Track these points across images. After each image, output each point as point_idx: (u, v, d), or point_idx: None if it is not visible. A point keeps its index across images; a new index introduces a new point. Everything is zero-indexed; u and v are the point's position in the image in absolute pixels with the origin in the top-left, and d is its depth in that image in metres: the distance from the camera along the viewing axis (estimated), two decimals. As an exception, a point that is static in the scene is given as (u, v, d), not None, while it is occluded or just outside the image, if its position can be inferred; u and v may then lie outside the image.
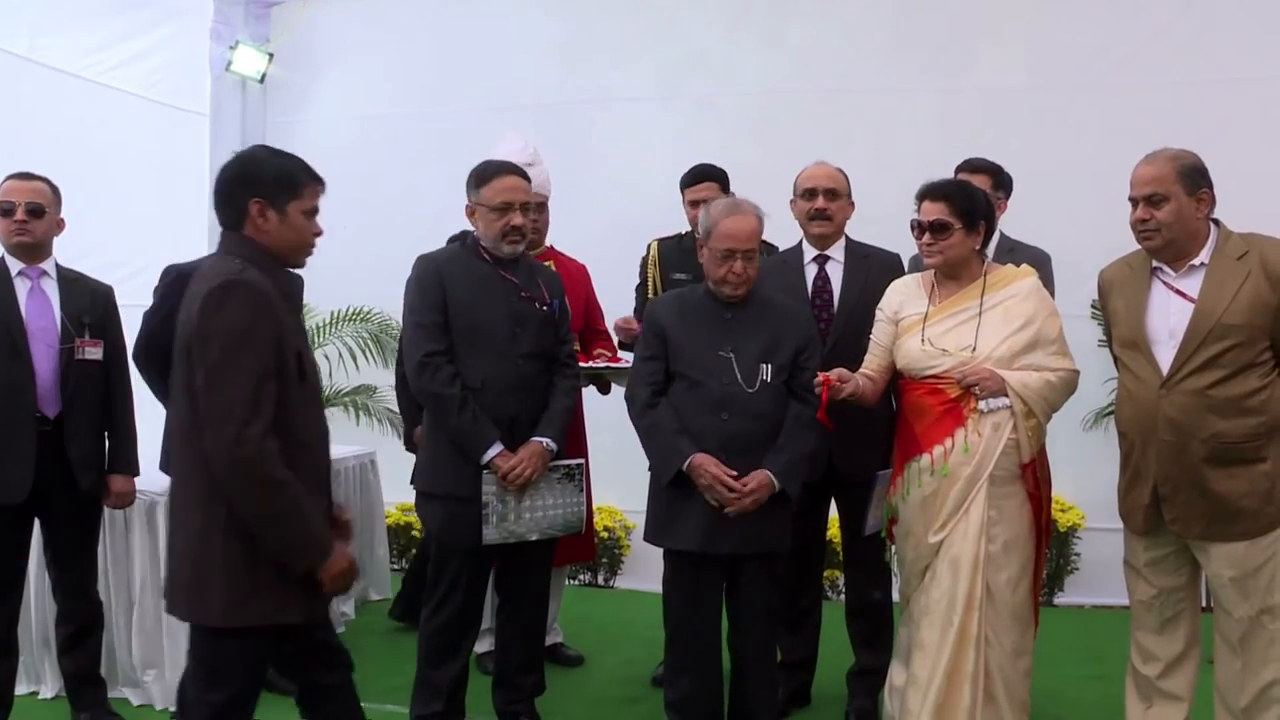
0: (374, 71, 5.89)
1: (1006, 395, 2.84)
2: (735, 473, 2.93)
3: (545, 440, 3.11)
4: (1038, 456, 2.92)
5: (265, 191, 2.26)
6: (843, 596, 3.75)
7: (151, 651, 3.62)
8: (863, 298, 3.31)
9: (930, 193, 2.96)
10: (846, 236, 3.50)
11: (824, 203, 3.40)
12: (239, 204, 2.27)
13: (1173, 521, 2.79)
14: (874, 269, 3.42)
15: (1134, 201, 2.80)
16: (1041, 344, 2.90)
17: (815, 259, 3.46)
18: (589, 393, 3.93)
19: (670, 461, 2.98)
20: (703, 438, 2.95)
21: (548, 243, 3.98)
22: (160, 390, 3.63)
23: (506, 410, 3.08)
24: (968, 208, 2.93)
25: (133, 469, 3.37)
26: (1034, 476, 2.91)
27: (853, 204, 3.50)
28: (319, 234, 2.35)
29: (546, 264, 3.74)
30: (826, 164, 3.49)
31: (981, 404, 2.84)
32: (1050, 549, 4.39)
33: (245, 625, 2.19)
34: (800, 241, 3.52)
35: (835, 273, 3.45)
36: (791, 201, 3.51)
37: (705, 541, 2.96)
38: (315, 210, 2.33)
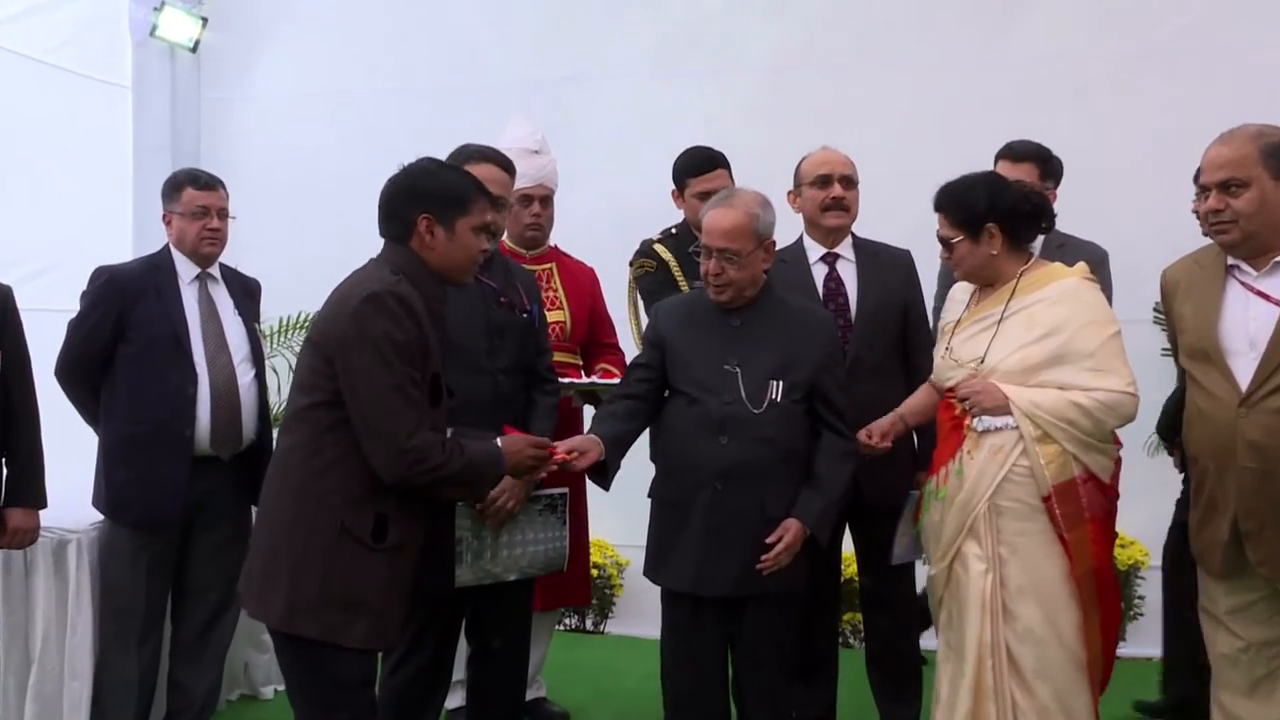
0: (327, 42, 5.73)
1: (1010, 415, 2.77)
2: (545, 440, 2.83)
3: None
4: (1061, 490, 2.78)
5: (434, 207, 2.49)
6: (864, 643, 3.68)
7: (50, 720, 3.46)
8: (881, 301, 3.31)
9: (935, 203, 2.98)
10: (852, 233, 3.48)
11: (841, 190, 3.37)
12: (407, 218, 2.50)
13: (1261, 563, 2.66)
14: (886, 268, 3.42)
15: (1205, 189, 2.71)
16: (1072, 357, 2.79)
17: (824, 258, 3.42)
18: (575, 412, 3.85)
19: None
20: (699, 465, 2.91)
21: (551, 242, 3.96)
22: (90, 411, 3.52)
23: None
24: (963, 216, 2.91)
25: (37, 501, 3.20)
26: (1056, 514, 2.78)
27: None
28: (486, 250, 2.67)
29: (548, 265, 3.76)
30: (836, 149, 3.46)
31: (976, 422, 2.80)
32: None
33: (298, 634, 2.40)
34: (800, 238, 3.49)
35: (848, 273, 3.41)
36: (792, 193, 3.48)
37: (695, 581, 2.92)
38: (485, 226, 2.59)
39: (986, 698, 2.79)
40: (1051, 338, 2.80)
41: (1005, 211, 2.91)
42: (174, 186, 3.61)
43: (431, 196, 2.49)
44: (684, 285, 3.78)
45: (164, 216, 3.61)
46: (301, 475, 2.44)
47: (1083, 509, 2.82)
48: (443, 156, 3.13)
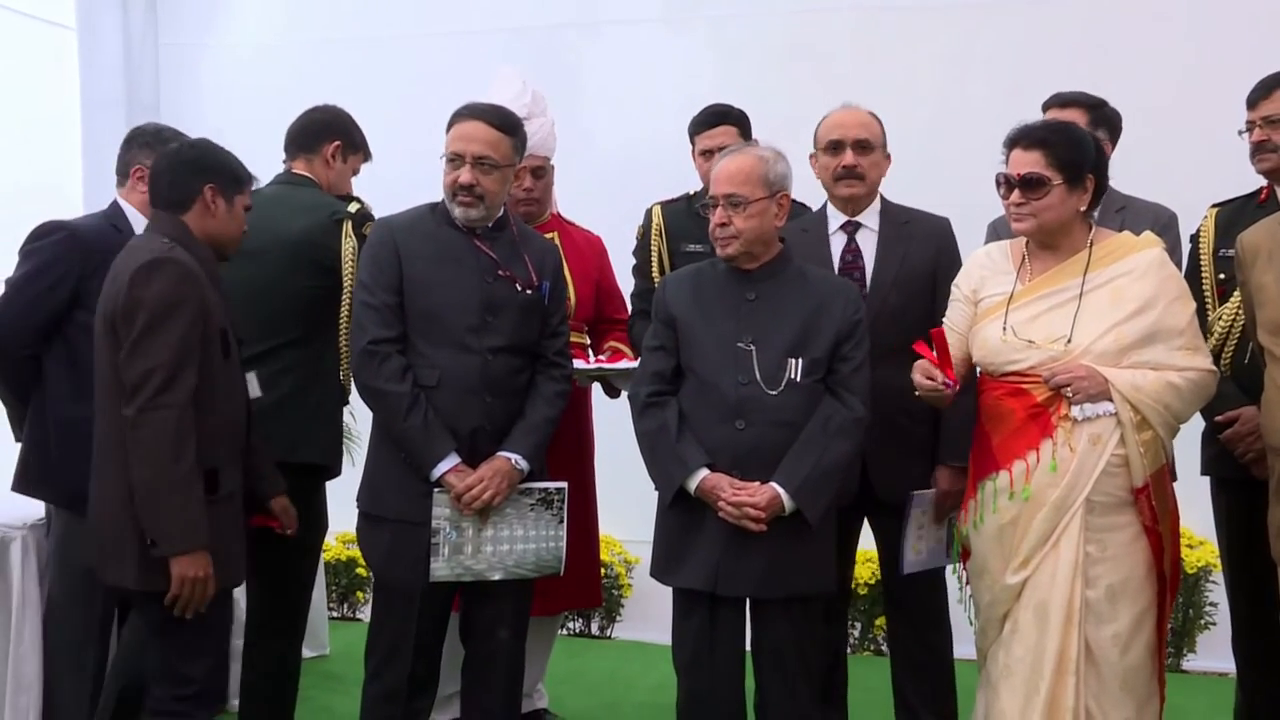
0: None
1: (1110, 400, 2.75)
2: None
3: (514, 457, 3.09)
4: (1155, 479, 2.81)
5: (220, 180, 2.93)
6: (886, 648, 3.79)
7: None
8: (901, 274, 3.32)
9: (1023, 138, 2.87)
10: (882, 198, 3.48)
11: (854, 157, 3.36)
12: (192, 188, 2.90)
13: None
14: (915, 238, 3.40)
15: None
16: (1164, 335, 2.80)
17: (844, 226, 3.44)
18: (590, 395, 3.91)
19: (669, 477, 2.97)
20: (713, 452, 2.94)
21: (559, 210, 4.01)
22: (21, 386, 3.39)
23: (468, 417, 3.08)
24: (1072, 157, 2.83)
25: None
26: (1150, 505, 2.80)
27: (888, 158, 3.47)
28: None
29: (550, 235, 3.76)
30: (857, 108, 3.45)
31: (1075, 410, 2.76)
32: (1177, 597, 4.26)
33: (158, 590, 2.75)
34: (824, 206, 3.52)
35: (868, 243, 3.42)
36: (812, 156, 3.48)
37: (713, 579, 2.93)
38: (250, 208, 3.04)
39: (1064, 717, 2.77)
40: (1144, 315, 2.80)
41: (1099, 164, 2.90)
42: (163, 142, 3.43)
43: (218, 170, 2.93)
44: (660, 254, 3.82)
45: (135, 170, 3.47)
46: (124, 451, 2.79)
47: (1168, 497, 2.86)
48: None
